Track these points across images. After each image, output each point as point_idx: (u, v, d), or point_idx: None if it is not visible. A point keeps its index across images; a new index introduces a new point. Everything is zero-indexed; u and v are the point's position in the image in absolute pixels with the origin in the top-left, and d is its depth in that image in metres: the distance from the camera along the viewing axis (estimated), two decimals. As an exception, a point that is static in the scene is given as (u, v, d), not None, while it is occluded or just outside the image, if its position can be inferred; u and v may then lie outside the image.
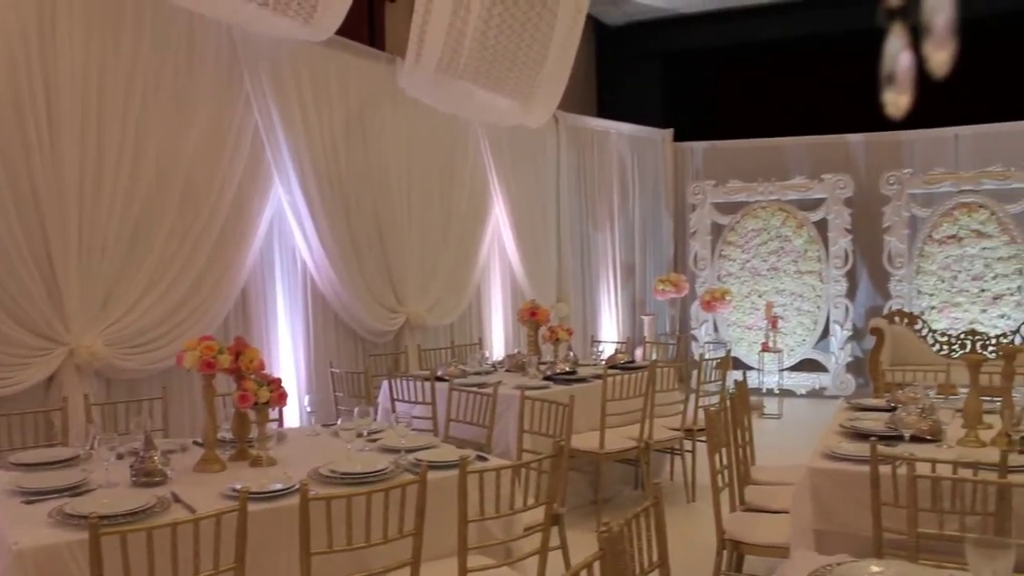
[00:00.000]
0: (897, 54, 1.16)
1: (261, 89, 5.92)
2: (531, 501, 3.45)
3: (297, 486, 2.90)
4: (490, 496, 3.24)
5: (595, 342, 8.14)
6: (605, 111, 11.11)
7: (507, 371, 6.44)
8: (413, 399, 5.53)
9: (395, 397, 5.61)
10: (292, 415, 5.91)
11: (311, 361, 6.52)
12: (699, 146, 11.17)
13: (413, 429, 3.96)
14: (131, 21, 5.10)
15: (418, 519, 2.95)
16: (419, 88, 6.87)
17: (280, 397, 3.58)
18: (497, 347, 8.58)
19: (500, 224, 8.63)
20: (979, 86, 9.77)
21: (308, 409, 4.65)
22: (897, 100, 1.19)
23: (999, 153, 9.64)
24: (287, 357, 6.39)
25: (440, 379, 5.77)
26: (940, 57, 1.17)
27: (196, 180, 5.49)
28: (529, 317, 6.79)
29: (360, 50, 6.98)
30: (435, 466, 3.32)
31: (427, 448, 3.76)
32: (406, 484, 2.92)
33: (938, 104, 10.73)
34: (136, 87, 5.11)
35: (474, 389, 5.08)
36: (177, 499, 3.02)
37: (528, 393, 4.89)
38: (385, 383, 5.83)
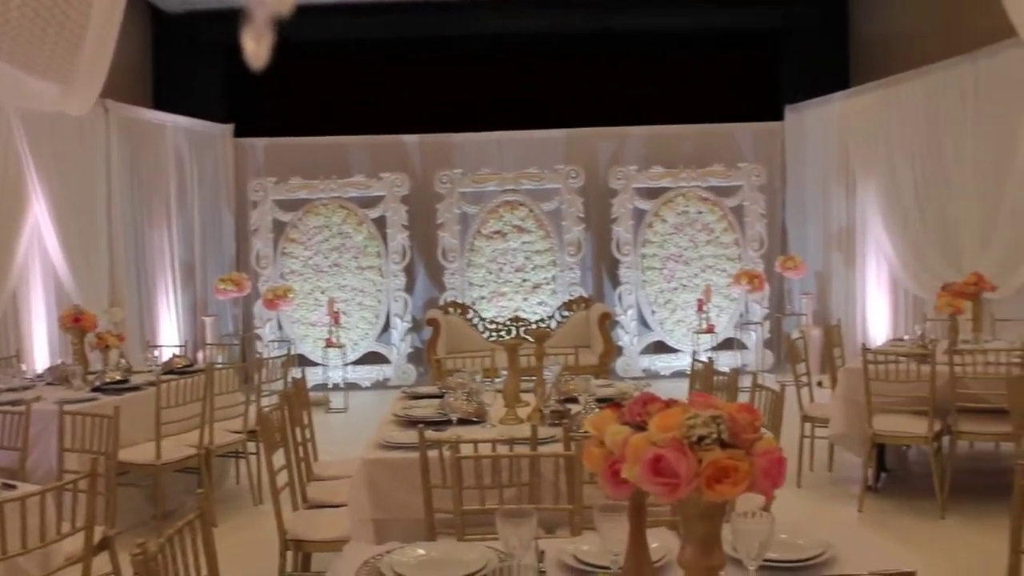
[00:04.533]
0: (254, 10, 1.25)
1: None
2: (77, 526, 3.17)
3: None
4: (20, 529, 2.92)
5: (151, 347, 7.70)
6: (163, 103, 10.46)
7: (48, 385, 5.86)
8: (-71, 425, 4.82)
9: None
10: None
11: None
12: (260, 142, 10.99)
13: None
14: None
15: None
16: (-70, 65, 5.98)
17: None
18: (41, 359, 7.76)
19: (40, 222, 7.81)
20: (518, 97, 10.75)
21: None
22: (257, 50, 1.27)
23: (535, 157, 10.71)
24: None
25: (-37, 399, 5.11)
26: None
27: None
28: (72, 324, 6.23)
29: None
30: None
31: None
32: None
33: (484, 111, 11.62)
34: None
35: (6, 407, 4.57)
36: None
37: (69, 407, 4.49)
38: None
